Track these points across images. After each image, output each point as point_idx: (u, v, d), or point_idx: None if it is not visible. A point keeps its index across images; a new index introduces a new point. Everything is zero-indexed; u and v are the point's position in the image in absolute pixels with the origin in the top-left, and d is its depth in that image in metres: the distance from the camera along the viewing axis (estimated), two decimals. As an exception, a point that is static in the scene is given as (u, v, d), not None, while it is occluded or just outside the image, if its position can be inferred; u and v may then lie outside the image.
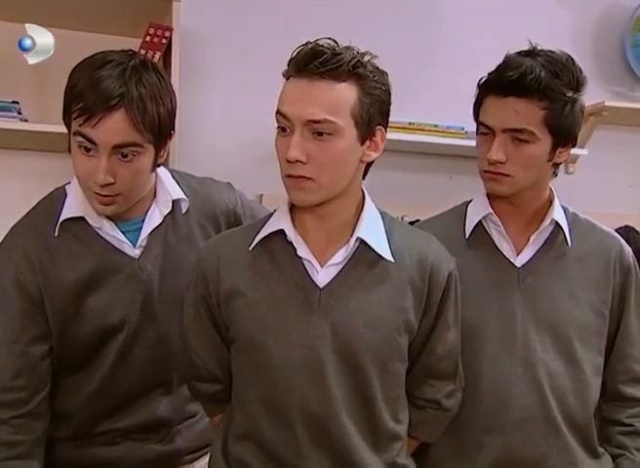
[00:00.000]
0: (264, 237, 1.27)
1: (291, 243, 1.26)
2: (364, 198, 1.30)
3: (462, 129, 2.40)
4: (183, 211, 1.46)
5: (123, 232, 1.41)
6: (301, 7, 2.38)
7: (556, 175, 1.49)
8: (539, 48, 1.41)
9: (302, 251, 1.25)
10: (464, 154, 2.56)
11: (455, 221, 1.53)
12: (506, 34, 2.56)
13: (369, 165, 1.28)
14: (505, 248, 1.46)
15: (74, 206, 1.39)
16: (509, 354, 1.42)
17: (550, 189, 1.50)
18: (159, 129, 1.31)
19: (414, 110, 2.37)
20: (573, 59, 1.41)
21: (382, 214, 1.32)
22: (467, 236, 1.48)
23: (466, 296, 1.40)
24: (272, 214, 1.32)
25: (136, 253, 1.42)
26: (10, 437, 1.36)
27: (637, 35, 2.61)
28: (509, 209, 1.46)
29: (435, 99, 2.48)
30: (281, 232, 1.26)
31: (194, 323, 1.34)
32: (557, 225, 1.46)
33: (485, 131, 1.42)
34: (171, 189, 1.46)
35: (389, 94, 1.24)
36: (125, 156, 1.29)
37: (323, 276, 1.25)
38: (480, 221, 1.48)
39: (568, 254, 1.46)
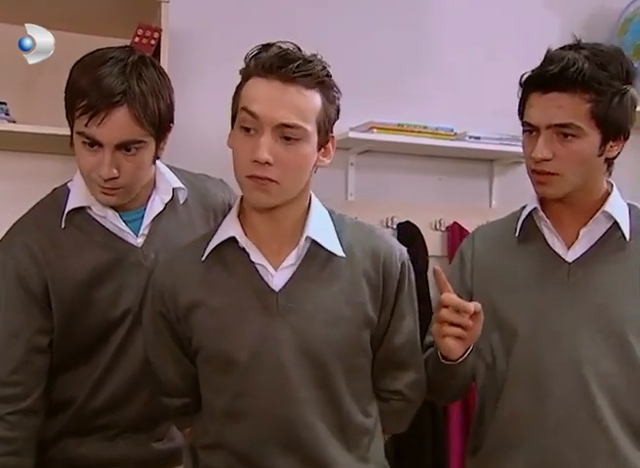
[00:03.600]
0: (217, 246, 1.27)
1: (243, 249, 1.26)
2: (311, 198, 1.31)
3: (452, 130, 2.41)
4: (181, 201, 1.50)
5: (125, 222, 1.44)
6: (291, 7, 2.38)
7: (610, 173, 1.43)
8: (583, 41, 1.36)
9: (255, 256, 1.26)
10: (454, 155, 2.58)
11: (508, 222, 1.50)
12: (495, 37, 2.59)
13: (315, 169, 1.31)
14: (556, 243, 1.41)
15: (79, 197, 1.42)
16: (553, 351, 1.36)
17: (610, 184, 1.43)
18: (159, 123, 1.34)
19: (403, 112, 2.38)
20: (622, 51, 1.36)
21: (330, 212, 1.33)
22: (518, 233, 1.45)
23: (513, 293, 1.39)
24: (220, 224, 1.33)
25: (138, 241, 1.45)
26: (5, 433, 1.36)
27: (624, 38, 2.62)
28: (561, 207, 1.41)
29: (424, 101, 2.49)
30: (232, 239, 1.26)
31: (154, 339, 1.35)
32: (616, 221, 1.39)
33: (529, 129, 1.37)
34: (170, 179, 1.49)
35: (339, 103, 1.28)
36: (128, 150, 1.32)
37: (278, 279, 1.26)
38: (532, 218, 1.44)
39: (627, 249, 1.38)
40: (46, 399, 1.43)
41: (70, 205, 1.41)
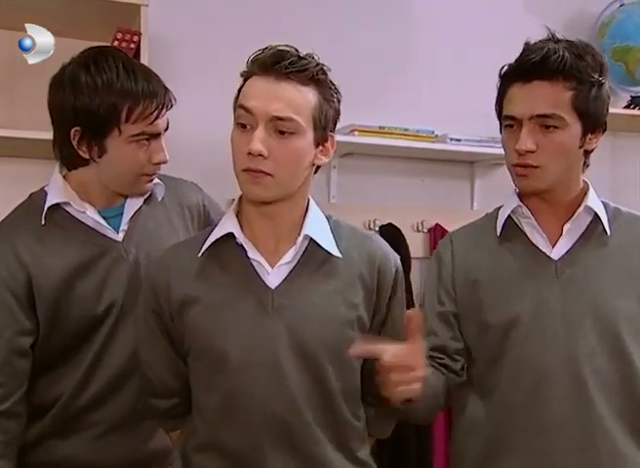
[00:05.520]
0: (213, 243, 1.29)
1: (240, 246, 1.27)
2: (309, 200, 1.34)
3: (432, 132, 2.42)
4: (159, 197, 1.54)
5: (104, 218, 1.47)
6: (272, 11, 2.38)
7: (587, 166, 1.43)
8: (557, 35, 1.38)
9: (252, 252, 1.27)
10: (435, 157, 2.59)
11: (486, 224, 1.48)
12: (476, 40, 2.61)
13: (316, 169, 1.33)
14: (540, 241, 1.40)
15: (58, 194, 1.44)
16: (549, 351, 1.35)
17: (585, 182, 1.43)
18: None
19: (384, 114, 2.39)
20: (593, 47, 1.37)
21: (327, 217, 1.35)
22: (499, 233, 1.43)
23: (501, 294, 1.38)
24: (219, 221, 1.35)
25: (119, 236, 1.47)
26: None
27: (602, 41, 2.65)
28: (541, 204, 1.40)
29: (405, 104, 2.50)
30: (229, 236, 1.28)
31: (147, 337, 1.36)
32: (595, 216, 1.39)
33: (510, 123, 1.36)
34: None
35: (340, 104, 1.31)
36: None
37: (274, 277, 1.27)
38: (511, 218, 1.43)
39: (610, 244, 1.38)
40: (27, 402, 1.43)
41: (50, 201, 1.43)
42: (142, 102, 1.38)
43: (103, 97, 1.37)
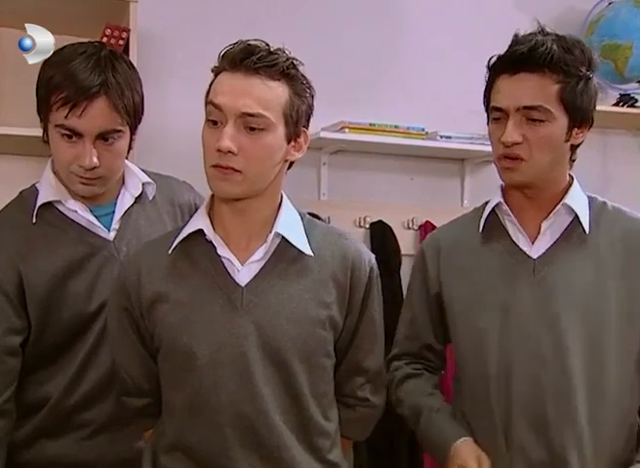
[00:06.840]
0: (184, 240, 1.27)
1: (210, 243, 1.26)
2: (282, 197, 1.32)
3: (423, 129, 2.42)
4: (150, 196, 1.53)
5: (96, 217, 1.46)
6: (261, 9, 2.38)
7: (574, 161, 1.42)
8: (547, 29, 1.37)
9: (222, 249, 1.26)
10: (425, 155, 2.59)
11: (472, 220, 1.47)
12: (466, 37, 2.61)
13: (289, 166, 1.31)
14: (520, 238, 1.39)
15: (49, 193, 1.43)
16: (519, 350, 1.35)
17: (571, 176, 1.43)
18: (134, 113, 1.40)
19: (374, 111, 2.39)
20: (583, 42, 1.37)
21: (301, 214, 1.34)
22: (481, 229, 1.43)
23: (481, 292, 1.39)
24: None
25: (110, 235, 1.46)
26: None
27: (591, 39, 2.66)
28: (523, 200, 1.40)
29: (396, 101, 2.50)
30: (200, 233, 1.26)
31: (118, 336, 1.34)
32: (576, 214, 1.38)
33: (497, 116, 1.35)
34: (139, 174, 1.53)
35: (313, 99, 1.28)
36: (107, 140, 1.37)
37: (244, 274, 1.26)
38: (496, 214, 1.43)
39: (588, 242, 1.37)
40: (18, 401, 1.42)
41: (41, 200, 1.42)
42: (68, 88, 1.31)
43: (47, 70, 1.35)
